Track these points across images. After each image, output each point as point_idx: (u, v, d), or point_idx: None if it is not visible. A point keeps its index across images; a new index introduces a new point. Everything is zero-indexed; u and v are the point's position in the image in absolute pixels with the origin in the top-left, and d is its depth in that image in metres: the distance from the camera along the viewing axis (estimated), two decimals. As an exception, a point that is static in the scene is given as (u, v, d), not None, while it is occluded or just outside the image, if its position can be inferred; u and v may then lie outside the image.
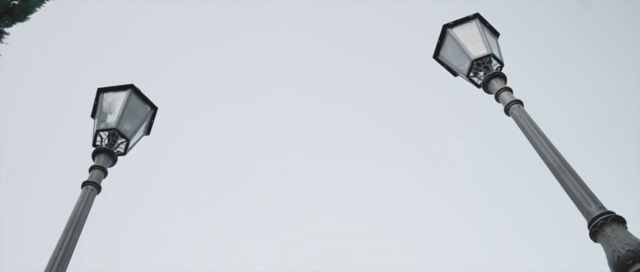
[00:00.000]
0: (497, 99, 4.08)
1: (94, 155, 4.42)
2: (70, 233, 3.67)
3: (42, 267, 3.43)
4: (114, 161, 4.49)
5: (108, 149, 4.48)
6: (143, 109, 5.00)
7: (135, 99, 4.93)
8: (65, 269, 3.49)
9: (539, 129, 3.63)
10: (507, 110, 3.91)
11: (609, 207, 2.96)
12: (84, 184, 4.11)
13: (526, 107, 3.83)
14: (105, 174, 4.32)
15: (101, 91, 4.90)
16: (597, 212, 2.91)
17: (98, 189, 4.14)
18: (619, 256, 2.64)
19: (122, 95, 4.89)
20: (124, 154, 4.67)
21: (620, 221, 2.85)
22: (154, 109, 5.05)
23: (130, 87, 4.90)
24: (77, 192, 4.13)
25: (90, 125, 4.91)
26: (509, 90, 4.03)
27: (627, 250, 2.64)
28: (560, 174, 3.27)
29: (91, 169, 4.28)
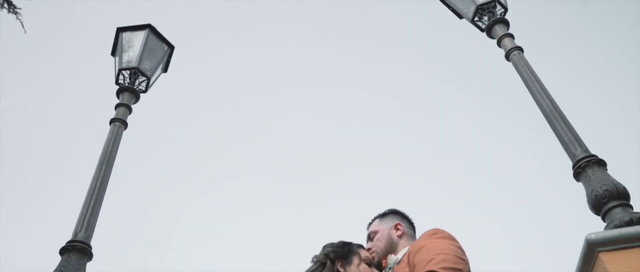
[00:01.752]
0: (498, 44, 4.30)
1: (118, 93, 4.72)
2: (104, 167, 4.05)
3: (82, 199, 3.82)
4: (137, 99, 4.80)
5: (130, 87, 4.78)
6: (161, 48, 5.25)
7: (153, 39, 5.16)
8: (102, 200, 3.89)
9: (536, 75, 3.90)
10: (507, 56, 4.15)
11: (593, 151, 3.29)
12: (112, 121, 4.45)
13: (526, 54, 4.07)
14: (130, 111, 4.64)
15: (120, 31, 5.12)
16: (582, 155, 3.24)
17: (125, 125, 4.48)
18: (596, 195, 3.00)
19: (140, 35, 5.11)
20: (145, 91, 4.97)
21: (601, 163, 3.19)
22: (171, 48, 5.29)
23: (148, 27, 5.12)
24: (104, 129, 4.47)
25: (106, 64, 5.19)
26: (511, 36, 4.25)
27: (604, 190, 2.99)
28: (552, 119, 3.58)
29: (117, 106, 4.59)
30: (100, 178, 3.96)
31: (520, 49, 4.12)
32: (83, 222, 3.63)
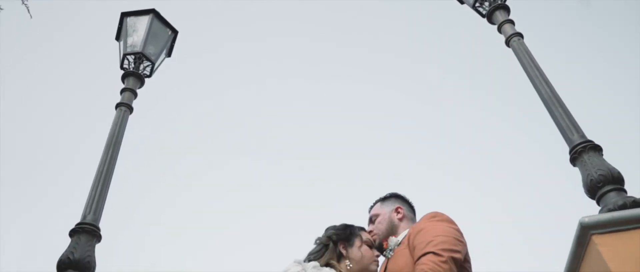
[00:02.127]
0: (499, 30, 4.35)
1: (123, 78, 4.79)
2: (110, 151, 4.13)
3: (90, 182, 3.91)
4: (142, 83, 4.87)
5: (135, 72, 4.84)
6: (164, 32, 5.29)
7: (157, 23, 5.21)
8: (110, 182, 3.98)
9: (536, 61, 3.95)
10: (507, 42, 4.20)
11: (590, 137, 3.37)
12: (118, 105, 4.52)
13: (525, 41, 4.12)
14: (135, 95, 4.71)
15: (124, 15, 5.17)
16: (578, 141, 3.32)
17: (130, 109, 4.55)
18: (591, 180, 3.08)
19: (144, 20, 5.16)
20: (149, 76, 5.03)
21: (597, 148, 3.27)
22: (175, 32, 5.33)
23: (152, 12, 5.16)
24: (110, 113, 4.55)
25: (109, 48, 5.24)
26: (511, 22, 4.30)
27: (599, 174, 3.07)
28: (550, 105, 3.65)
29: (122, 91, 4.66)
30: (107, 162, 4.04)
31: (520, 35, 4.17)
32: (91, 205, 3.72)
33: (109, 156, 4.10)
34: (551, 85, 3.77)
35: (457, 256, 2.32)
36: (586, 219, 2.60)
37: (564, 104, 3.63)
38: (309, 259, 2.70)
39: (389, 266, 2.58)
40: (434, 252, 2.28)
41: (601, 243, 2.49)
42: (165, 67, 5.54)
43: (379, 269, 2.69)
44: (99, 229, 3.61)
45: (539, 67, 3.91)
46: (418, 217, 2.85)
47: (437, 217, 2.56)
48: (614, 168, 3.12)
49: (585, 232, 2.58)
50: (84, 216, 3.64)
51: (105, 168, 3.99)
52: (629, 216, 2.62)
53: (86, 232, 3.51)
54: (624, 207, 2.79)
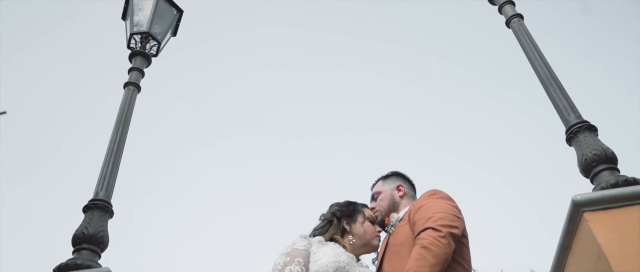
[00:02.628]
0: (500, 11, 4.42)
1: (130, 57, 4.88)
2: (120, 130, 4.24)
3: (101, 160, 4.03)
4: (149, 63, 4.96)
5: (142, 51, 4.93)
6: (170, 12, 5.36)
7: (163, 3, 5.27)
8: (120, 160, 4.10)
9: (535, 43, 4.03)
10: (508, 23, 4.27)
11: (586, 117, 3.47)
12: (126, 85, 4.62)
13: (525, 22, 4.19)
14: (143, 74, 4.80)
15: (130, -5, 5.23)
16: (575, 121, 3.42)
17: (138, 88, 4.65)
18: (586, 159, 3.20)
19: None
20: (155, 55, 5.12)
21: (592, 129, 3.37)
22: (180, 11, 5.40)
23: (157, -9, 5.22)
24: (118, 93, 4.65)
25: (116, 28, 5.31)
26: (512, 3, 4.36)
27: (593, 154, 3.18)
28: (548, 86, 3.74)
29: (130, 70, 4.76)
30: (117, 140, 4.16)
31: (520, 16, 4.24)
32: (103, 181, 3.85)
33: (119, 134, 4.21)
34: (549, 66, 3.85)
35: (455, 231, 2.45)
36: (578, 197, 2.72)
37: (561, 85, 3.72)
38: (314, 234, 2.83)
39: (390, 241, 2.71)
40: (433, 228, 2.41)
41: (592, 220, 2.61)
42: (170, 46, 5.63)
43: (381, 243, 2.82)
44: (110, 205, 3.74)
45: (538, 48, 3.99)
46: (418, 194, 2.97)
47: (436, 194, 2.68)
48: (608, 148, 3.23)
49: (578, 210, 2.71)
50: (96, 193, 3.77)
51: (115, 146, 4.11)
52: (619, 194, 2.74)
53: (99, 208, 3.65)
54: (616, 185, 2.91)
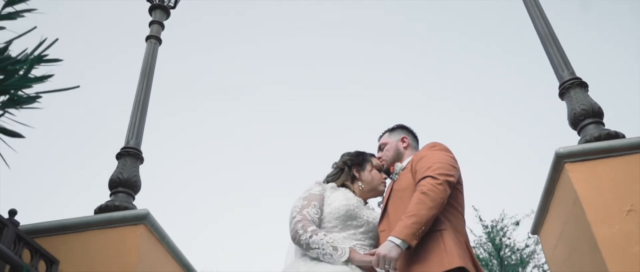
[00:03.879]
0: (505, -33, 4.59)
1: (150, 11, 5.12)
2: (145, 81, 4.56)
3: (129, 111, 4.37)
4: (168, 15, 5.21)
5: (161, 4, 5.17)
6: (185, -36, 5.55)
7: (178, -45, 5.45)
8: (147, 109, 4.44)
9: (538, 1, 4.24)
10: (512, -21, 4.46)
11: (579, 74, 3.74)
12: (147, 38, 4.90)
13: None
14: (163, 27, 5.07)
15: (148, -52, 5.39)
16: (568, 77, 3.69)
17: (159, 41, 4.93)
18: (575, 113, 3.50)
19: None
20: (173, 7, 5.36)
21: (583, 85, 3.65)
22: (196, -36, 5.58)
23: (173, -56, 5.39)
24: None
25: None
26: (517, -40, 4.52)
27: (582, 109, 3.48)
28: (546, 42, 3.98)
29: (150, 24, 5.02)
30: (143, 91, 4.49)
31: (524, -28, 4.41)
32: (133, 130, 4.21)
33: (144, 85, 4.54)
34: (549, 23, 4.07)
35: (451, 179, 2.78)
36: (561, 150, 3.05)
37: (558, 42, 3.96)
38: (327, 180, 3.18)
39: (394, 187, 3.06)
40: (431, 176, 2.73)
41: (571, 170, 2.95)
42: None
43: (386, 189, 3.18)
44: (141, 152, 4.12)
45: (539, 4, 4.20)
46: (420, 145, 3.30)
47: (436, 146, 3.00)
48: (595, 103, 3.52)
49: (559, 161, 3.04)
50: (127, 141, 4.14)
51: (141, 97, 4.44)
52: (595, 148, 3.06)
53: (131, 155, 4.02)
54: (598, 138, 3.23)
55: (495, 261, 11.65)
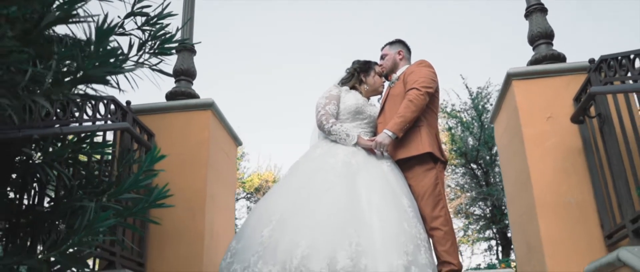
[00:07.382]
0: None
1: None
2: (190, -18, 5.44)
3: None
4: None
5: None
6: None
7: None
8: (194, 5, 5.40)
9: None
10: None
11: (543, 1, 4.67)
12: (188, -61, 5.65)
13: None
14: None
15: None
16: (533, 2, 4.60)
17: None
18: (532, 34, 4.42)
19: None
20: None
21: (543, 10, 4.56)
22: None
23: None
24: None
25: None
26: None
27: (538, 31, 4.43)
28: (522, -31, 4.84)
29: None
30: (190, -8, 5.40)
31: None
32: (185, 26, 5.21)
33: (190, -14, 5.43)
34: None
35: (430, 90, 3.90)
36: (510, 70, 4.13)
37: (532, -31, 4.81)
38: (342, 83, 4.30)
39: (390, 92, 4.18)
40: (416, 88, 3.86)
41: (516, 86, 4.03)
42: None
43: (384, 91, 4.33)
44: (193, 45, 5.16)
45: None
46: (412, 60, 4.38)
47: (423, 64, 4.08)
48: (549, 26, 4.48)
49: (509, 78, 4.13)
50: (183, 37, 5.17)
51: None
52: (535, 70, 4.01)
53: (187, 49, 5.09)
54: (545, 58, 4.27)
55: (476, 124, 13.14)
